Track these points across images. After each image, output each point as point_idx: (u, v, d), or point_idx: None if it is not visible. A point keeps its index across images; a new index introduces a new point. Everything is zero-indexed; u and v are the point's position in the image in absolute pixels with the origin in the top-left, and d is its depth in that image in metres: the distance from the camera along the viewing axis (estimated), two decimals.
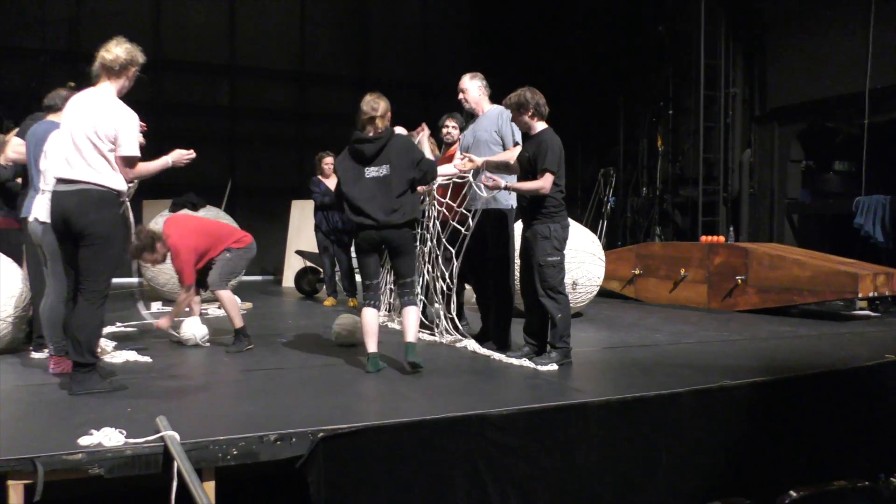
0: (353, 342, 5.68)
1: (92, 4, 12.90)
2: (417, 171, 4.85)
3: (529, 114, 4.96)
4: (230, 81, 14.20)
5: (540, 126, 5.01)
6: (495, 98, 5.63)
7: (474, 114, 5.76)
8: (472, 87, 5.69)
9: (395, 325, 6.50)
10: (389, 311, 7.11)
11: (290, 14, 14.63)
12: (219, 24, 14.10)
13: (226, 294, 5.57)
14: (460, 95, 5.73)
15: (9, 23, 11.84)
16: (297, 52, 14.69)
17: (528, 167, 4.94)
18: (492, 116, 5.59)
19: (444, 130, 7.42)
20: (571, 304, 7.49)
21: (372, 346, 4.80)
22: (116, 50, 4.18)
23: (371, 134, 4.80)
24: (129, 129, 4.06)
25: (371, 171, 4.78)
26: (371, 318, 4.82)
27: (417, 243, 5.77)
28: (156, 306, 8.24)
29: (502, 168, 5.26)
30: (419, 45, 15.48)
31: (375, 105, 4.82)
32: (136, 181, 4.26)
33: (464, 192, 5.50)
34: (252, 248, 5.79)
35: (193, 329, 5.73)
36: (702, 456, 4.18)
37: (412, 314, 4.84)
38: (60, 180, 4.02)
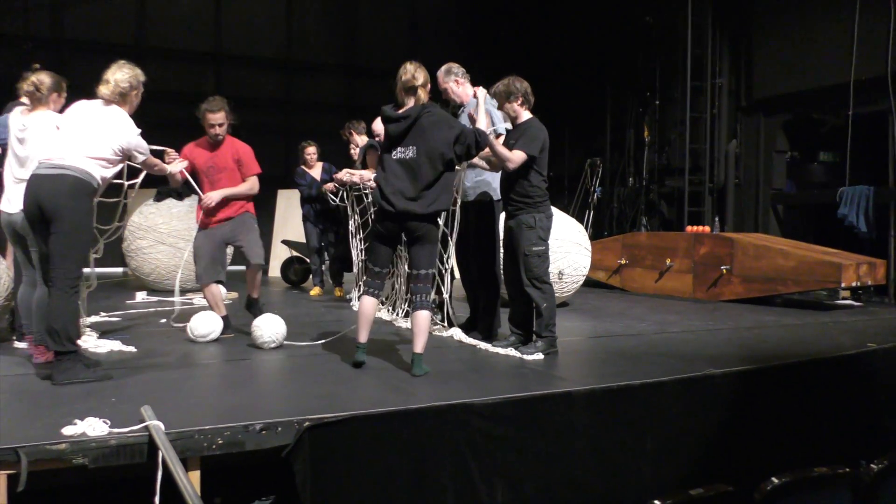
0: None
1: None
2: (458, 148, 4.36)
3: (518, 102, 4.97)
4: (215, 69, 14.09)
5: (526, 115, 5.02)
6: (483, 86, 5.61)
7: (459, 106, 5.73)
8: (449, 83, 5.63)
9: (384, 315, 6.49)
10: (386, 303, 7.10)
11: (276, 1, 14.53)
12: (204, 10, 13.98)
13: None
14: (444, 96, 5.68)
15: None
16: (284, 39, 14.60)
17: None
18: (471, 105, 5.56)
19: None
20: (557, 294, 7.52)
21: (363, 336, 4.48)
22: (117, 76, 4.34)
23: (409, 106, 4.41)
24: (138, 143, 4.38)
25: (398, 153, 4.39)
26: (368, 307, 4.49)
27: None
28: (140, 296, 8.19)
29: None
30: (407, 32, 15.42)
31: (417, 73, 4.41)
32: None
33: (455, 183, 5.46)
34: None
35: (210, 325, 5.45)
36: (686, 443, 4.21)
37: (423, 320, 4.39)
38: (44, 164, 4.04)
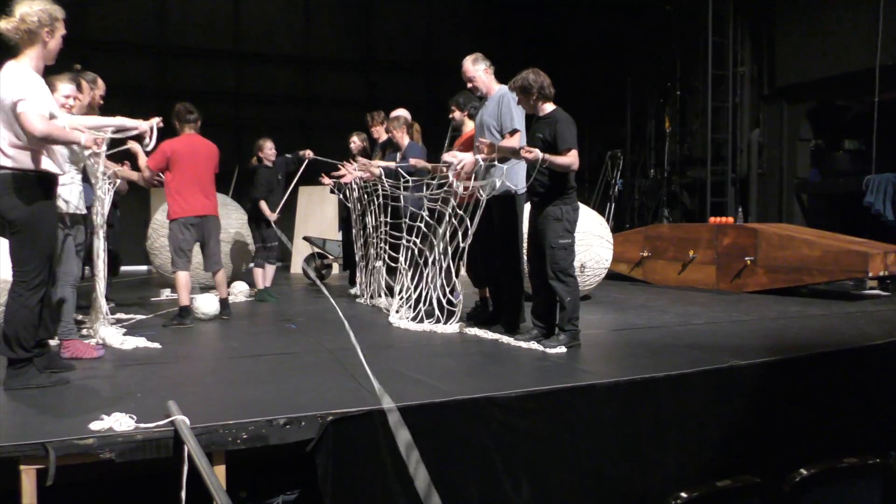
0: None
1: None
2: None
3: (535, 97, 4.93)
4: (235, 67, 14.19)
5: (549, 107, 4.98)
6: (501, 79, 5.58)
7: (484, 97, 5.70)
8: (479, 72, 5.60)
9: (382, 304, 6.50)
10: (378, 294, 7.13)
11: None
12: (223, 10, 14.08)
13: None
14: (469, 84, 5.66)
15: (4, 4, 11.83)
16: (302, 36, 14.66)
17: (543, 149, 4.85)
18: (494, 100, 5.53)
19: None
20: (580, 287, 7.50)
21: None
22: (24, 9, 3.65)
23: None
24: (25, 87, 3.60)
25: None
26: None
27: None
28: (165, 293, 8.26)
29: (516, 153, 5.17)
30: (423, 25, 15.42)
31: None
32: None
33: (476, 176, 5.42)
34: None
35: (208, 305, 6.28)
36: (711, 435, 4.18)
37: None
38: None
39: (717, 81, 11.50)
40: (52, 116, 3.77)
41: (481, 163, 5.29)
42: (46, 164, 3.77)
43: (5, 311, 3.80)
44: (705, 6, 11.30)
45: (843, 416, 4.70)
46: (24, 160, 3.69)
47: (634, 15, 13.24)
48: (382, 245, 6.86)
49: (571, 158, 4.79)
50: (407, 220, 6.23)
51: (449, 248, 5.69)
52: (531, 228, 5.13)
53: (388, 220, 6.74)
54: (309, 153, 8.06)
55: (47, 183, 3.83)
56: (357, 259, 7.83)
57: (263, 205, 7.73)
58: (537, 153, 4.69)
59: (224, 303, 6.49)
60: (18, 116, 3.59)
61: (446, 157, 5.65)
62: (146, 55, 13.42)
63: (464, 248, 5.55)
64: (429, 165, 6.20)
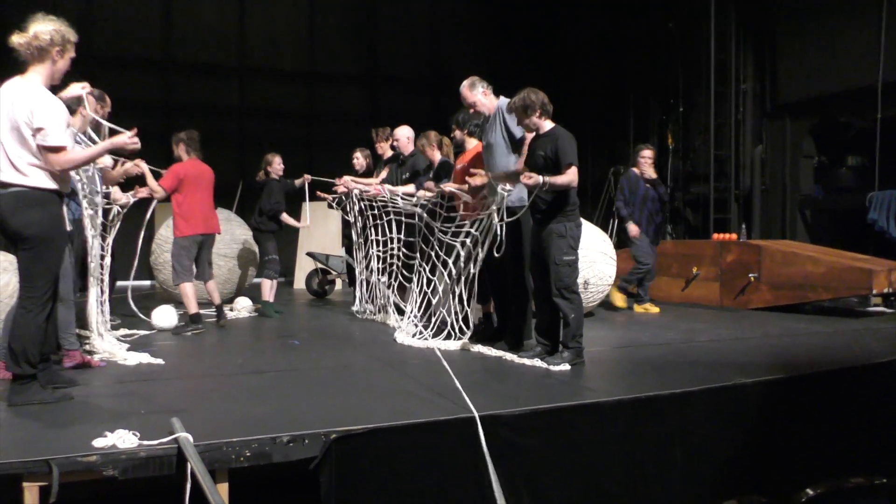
0: None
1: (103, 4, 12.99)
2: None
3: (537, 114, 4.94)
4: (240, 82, 14.26)
5: (549, 124, 5.00)
6: (506, 95, 5.59)
7: (488, 116, 5.69)
8: (478, 96, 5.54)
9: (391, 322, 6.47)
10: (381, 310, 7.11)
11: (298, 14, 14.71)
12: (229, 25, 14.17)
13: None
14: (471, 110, 5.65)
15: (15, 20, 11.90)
16: (307, 52, 14.75)
17: (544, 166, 4.87)
18: (496, 115, 5.53)
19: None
20: (583, 304, 7.48)
21: None
22: (39, 27, 3.71)
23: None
24: (48, 115, 3.65)
25: None
26: None
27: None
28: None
29: (512, 178, 5.18)
30: (427, 41, 15.51)
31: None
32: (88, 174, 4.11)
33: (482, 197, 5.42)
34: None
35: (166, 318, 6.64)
36: (717, 454, 4.14)
37: None
38: None
39: (719, 98, 11.53)
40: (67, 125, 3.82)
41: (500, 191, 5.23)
42: (58, 182, 3.80)
43: (12, 326, 3.80)
44: (707, 23, 11.35)
45: (849, 435, 4.66)
46: (39, 177, 3.73)
47: (637, 32, 13.30)
48: (395, 262, 6.83)
49: (571, 176, 4.80)
50: (420, 241, 6.27)
51: (462, 272, 5.67)
52: (534, 245, 5.13)
53: (402, 237, 6.77)
54: (307, 178, 8.11)
55: (59, 200, 3.86)
56: (357, 273, 7.77)
57: (286, 216, 7.88)
58: (538, 178, 4.71)
59: (219, 309, 7.00)
60: (40, 148, 3.66)
61: (450, 188, 5.69)
62: (151, 70, 13.49)
63: (474, 273, 5.53)
64: (445, 190, 6.11)
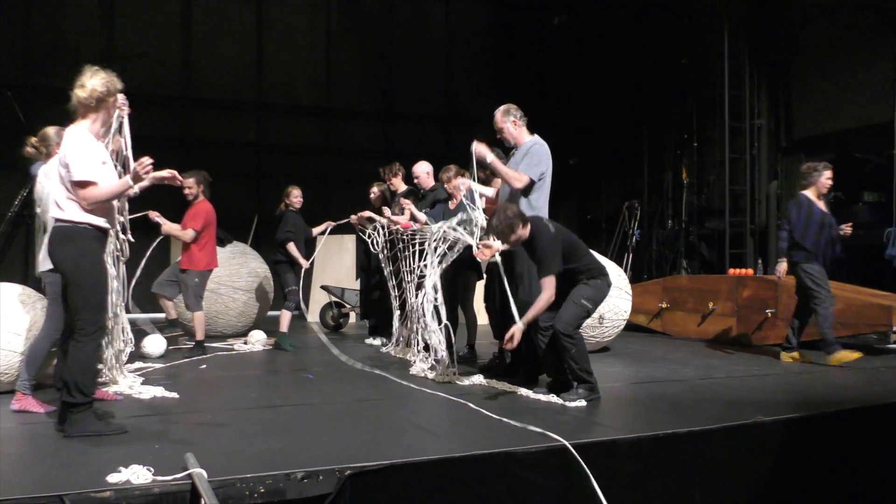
0: None
1: (123, 42, 13.25)
2: None
3: (519, 228, 4.89)
4: (257, 118, 14.45)
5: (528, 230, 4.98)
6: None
7: (513, 148, 5.73)
8: (507, 123, 5.63)
9: (415, 360, 6.43)
10: (408, 344, 7.05)
11: (315, 51, 14.92)
12: (247, 61, 14.39)
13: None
14: (498, 136, 5.72)
15: (40, 60, 12.14)
16: (323, 88, 14.94)
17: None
18: (522, 151, 5.58)
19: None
20: (599, 339, 7.43)
21: None
22: (93, 81, 4.08)
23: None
24: (75, 153, 3.91)
25: None
26: None
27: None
28: (182, 342, 8.27)
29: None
30: (443, 78, 15.68)
31: None
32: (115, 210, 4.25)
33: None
34: None
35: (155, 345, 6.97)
36: (736, 493, 4.08)
37: None
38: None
39: (734, 133, 11.54)
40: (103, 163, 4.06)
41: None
42: (96, 218, 3.99)
43: (68, 358, 3.94)
44: (721, 59, 11.41)
45: (869, 474, 4.58)
46: (73, 211, 3.93)
47: (651, 68, 13.39)
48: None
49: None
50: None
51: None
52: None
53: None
54: (330, 224, 8.26)
55: (100, 235, 4.04)
56: (395, 307, 7.52)
57: (292, 246, 7.77)
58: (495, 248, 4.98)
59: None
60: (71, 183, 3.91)
61: (387, 215, 5.84)
62: (170, 106, 13.69)
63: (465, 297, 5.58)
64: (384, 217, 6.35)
